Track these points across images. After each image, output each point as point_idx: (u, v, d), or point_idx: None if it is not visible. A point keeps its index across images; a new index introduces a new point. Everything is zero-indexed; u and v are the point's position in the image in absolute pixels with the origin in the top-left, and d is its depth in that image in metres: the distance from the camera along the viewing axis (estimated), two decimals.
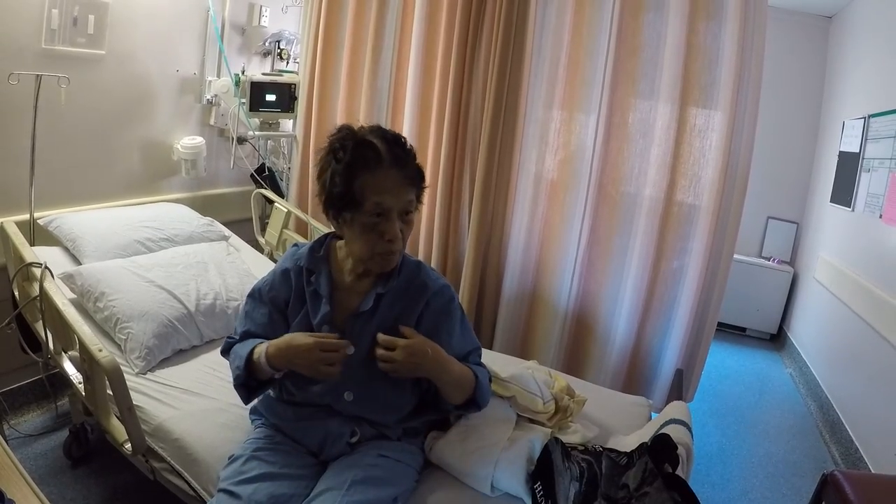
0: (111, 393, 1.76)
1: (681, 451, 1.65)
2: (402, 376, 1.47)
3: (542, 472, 1.59)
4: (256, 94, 3.38)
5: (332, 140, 1.55)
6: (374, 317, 1.61)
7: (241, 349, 1.60)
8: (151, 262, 2.44)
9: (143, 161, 3.11)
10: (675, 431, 1.75)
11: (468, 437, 1.70)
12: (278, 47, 3.79)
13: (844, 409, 3.40)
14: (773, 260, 5.20)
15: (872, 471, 2.81)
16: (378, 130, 1.55)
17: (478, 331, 3.16)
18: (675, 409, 1.97)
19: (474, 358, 1.69)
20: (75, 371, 2.07)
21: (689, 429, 1.84)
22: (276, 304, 1.68)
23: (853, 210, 3.75)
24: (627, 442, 1.90)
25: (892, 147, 3.23)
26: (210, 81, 3.36)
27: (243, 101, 3.34)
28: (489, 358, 2.29)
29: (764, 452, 3.23)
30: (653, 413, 2.29)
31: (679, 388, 2.63)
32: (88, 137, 2.81)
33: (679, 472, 1.61)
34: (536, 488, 1.56)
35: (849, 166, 3.93)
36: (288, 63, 3.87)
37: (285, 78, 3.55)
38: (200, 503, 1.64)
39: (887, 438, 2.75)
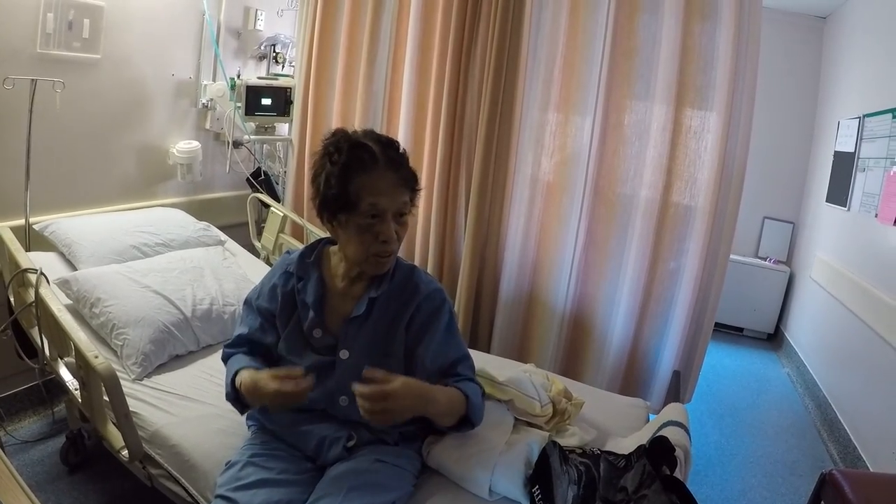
0: (108, 399, 1.76)
1: (679, 453, 1.65)
2: (393, 422, 1.44)
3: (540, 475, 1.59)
4: (252, 98, 3.38)
5: (326, 143, 1.56)
6: (367, 321, 1.61)
7: (230, 367, 1.62)
8: (147, 268, 2.43)
9: (139, 165, 3.10)
10: (672, 433, 1.75)
11: (466, 442, 1.70)
12: (274, 51, 3.78)
13: (842, 407, 3.40)
14: (770, 260, 5.20)
15: (871, 469, 2.81)
16: (372, 134, 1.56)
17: (475, 334, 3.16)
18: (673, 411, 1.97)
19: (463, 369, 1.66)
20: (71, 377, 2.06)
21: (687, 431, 1.84)
22: (262, 312, 1.69)
23: (849, 209, 3.76)
24: (625, 444, 1.89)
25: (887, 146, 3.24)
26: (206, 85, 3.36)
27: (239, 105, 3.33)
28: (486, 360, 2.30)
29: (762, 452, 3.23)
30: (650, 415, 2.29)
31: (676, 390, 2.63)
32: (84, 142, 2.81)
33: (677, 474, 1.60)
34: (535, 492, 1.56)
35: (844, 166, 3.94)
36: (283, 67, 3.86)
37: (281, 82, 3.55)
38: None
39: (885, 437, 2.76)
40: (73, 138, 2.75)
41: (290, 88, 3.54)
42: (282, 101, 3.52)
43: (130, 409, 1.77)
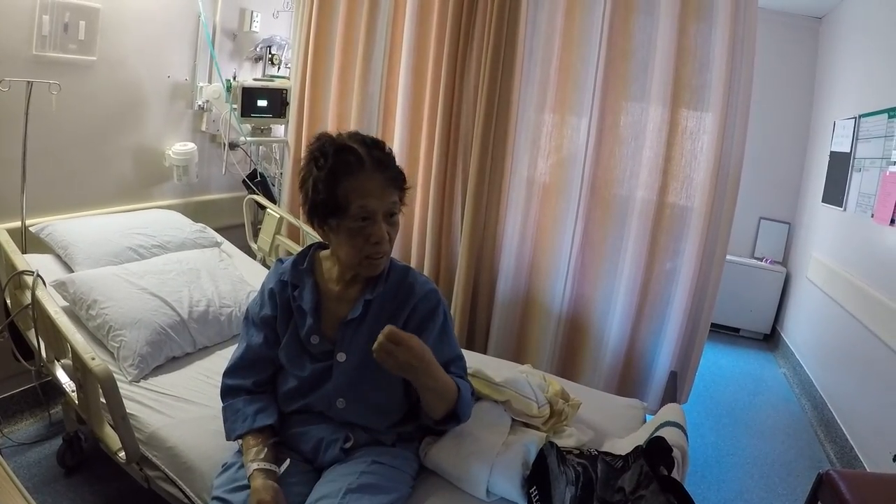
0: (104, 401, 1.76)
1: (676, 453, 1.65)
2: (388, 369, 1.44)
3: (537, 476, 1.59)
4: (248, 100, 3.38)
5: (311, 149, 1.57)
6: (363, 323, 1.61)
7: (233, 420, 1.60)
8: (144, 270, 2.43)
9: (135, 167, 3.10)
10: (670, 434, 1.75)
11: (463, 442, 1.70)
12: (269, 52, 3.78)
13: (839, 407, 3.41)
14: (766, 260, 5.21)
15: (868, 469, 2.81)
16: (356, 136, 1.57)
17: (472, 335, 3.16)
18: (670, 411, 1.97)
19: (456, 368, 1.66)
20: (68, 379, 2.06)
21: (685, 431, 1.84)
22: (267, 323, 1.68)
23: (845, 210, 3.77)
24: (622, 445, 1.90)
25: (883, 146, 3.25)
26: (201, 87, 3.35)
27: (235, 106, 3.33)
28: (483, 362, 2.30)
29: (759, 453, 3.23)
30: (647, 415, 2.29)
31: (673, 390, 2.63)
32: (80, 144, 2.80)
33: (674, 474, 1.61)
34: (532, 493, 1.56)
35: (840, 166, 3.95)
36: (279, 68, 3.86)
37: (277, 83, 3.55)
38: None
39: (882, 436, 2.76)
40: (69, 140, 2.75)
41: (286, 90, 3.54)
42: (278, 102, 3.52)
43: (127, 410, 1.77)
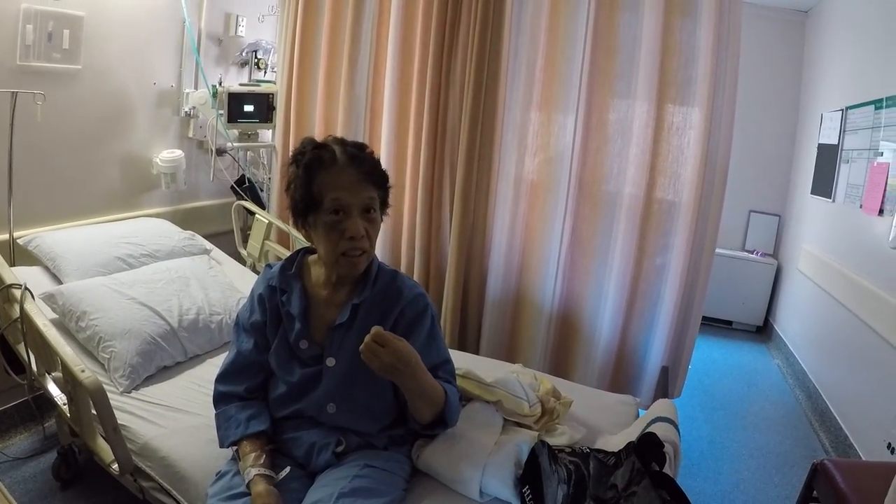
0: (96, 413, 1.76)
1: (667, 448, 1.66)
2: (374, 370, 1.44)
3: (529, 475, 1.60)
4: (234, 105, 3.37)
5: (294, 151, 1.61)
6: (352, 328, 1.61)
7: (227, 427, 1.61)
8: (133, 279, 2.42)
9: (123, 176, 3.09)
10: (661, 429, 1.76)
11: (455, 444, 1.70)
12: (255, 57, 3.78)
13: (832, 397, 3.43)
14: (757, 253, 5.23)
15: (863, 458, 2.84)
16: (338, 138, 1.62)
17: (463, 335, 3.16)
18: (661, 406, 1.98)
19: (443, 373, 1.67)
20: (59, 392, 2.05)
21: (676, 426, 1.85)
22: (257, 328, 1.69)
23: (834, 201, 3.79)
24: (615, 441, 1.90)
25: (870, 138, 3.26)
26: (187, 93, 3.34)
27: (221, 112, 3.32)
28: (475, 362, 2.30)
29: (754, 444, 3.25)
30: (640, 410, 2.30)
31: (665, 386, 2.64)
32: (66, 153, 2.79)
33: (667, 469, 1.61)
34: (525, 492, 1.57)
35: (828, 158, 3.97)
36: (265, 73, 3.86)
37: (263, 88, 3.54)
38: None
39: (876, 425, 2.78)
40: (55, 150, 2.74)
41: (273, 94, 3.53)
42: (264, 107, 3.51)
43: (119, 422, 1.77)
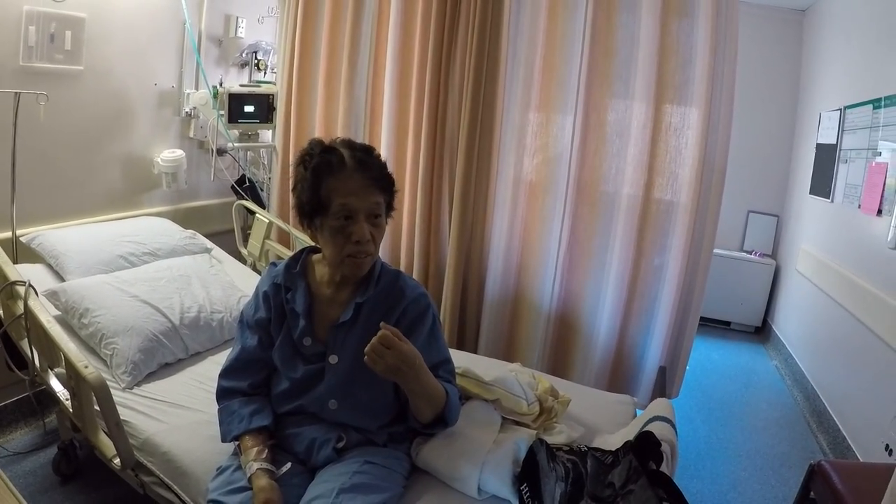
0: (98, 409, 1.77)
1: (665, 447, 1.67)
2: (377, 372, 1.46)
3: (527, 473, 1.61)
4: (235, 106, 3.38)
5: (302, 152, 1.63)
6: (355, 326, 1.64)
7: (230, 422, 1.63)
8: (135, 277, 2.44)
9: (124, 175, 3.11)
10: (658, 428, 1.77)
11: (454, 441, 1.72)
12: (255, 58, 3.79)
13: (830, 398, 3.43)
14: (755, 253, 5.24)
15: (861, 459, 2.84)
16: (346, 141, 1.63)
17: (462, 335, 3.18)
18: (659, 406, 1.99)
19: (443, 372, 1.68)
20: (62, 388, 2.07)
21: (673, 425, 1.86)
22: (261, 325, 1.71)
23: (832, 201, 3.79)
24: (613, 440, 1.91)
25: (869, 137, 3.27)
26: (188, 94, 3.36)
27: (222, 112, 3.34)
28: (473, 361, 2.31)
29: (752, 445, 3.25)
30: (638, 410, 2.31)
31: (662, 386, 2.65)
32: (69, 153, 2.81)
33: (664, 468, 1.62)
34: (523, 490, 1.58)
35: (827, 158, 3.98)
36: (265, 74, 3.87)
37: (263, 89, 3.56)
38: None
39: (874, 426, 2.78)
40: (58, 150, 2.76)
41: (273, 95, 3.55)
42: (264, 107, 3.53)
43: (121, 417, 1.78)
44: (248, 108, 3.45)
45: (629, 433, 1.89)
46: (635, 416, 2.22)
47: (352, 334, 1.63)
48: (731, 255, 5.14)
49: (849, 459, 2.90)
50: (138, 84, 3.09)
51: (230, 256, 3.13)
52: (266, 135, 3.78)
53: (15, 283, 2.10)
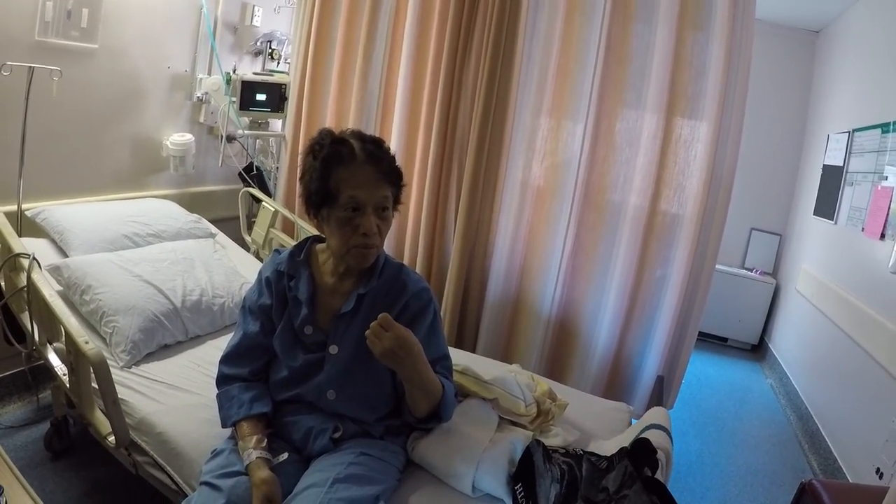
0: (96, 386, 1.77)
1: (660, 455, 1.67)
2: (378, 357, 1.46)
3: (523, 473, 1.61)
4: (247, 94, 3.39)
5: (311, 141, 1.63)
6: (356, 317, 1.64)
7: (229, 406, 1.63)
8: (138, 257, 2.44)
9: (132, 156, 3.11)
10: (655, 436, 1.77)
11: (450, 438, 1.72)
12: (270, 47, 3.79)
13: (824, 419, 3.43)
14: (756, 271, 5.24)
15: (851, 481, 2.83)
16: (357, 132, 1.63)
17: (461, 334, 3.18)
18: (656, 414, 1.99)
19: (441, 368, 1.68)
20: (60, 363, 2.07)
21: (669, 434, 1.86)
22: (263, 311, 1.71)
23: (836, 223, 3.79)
24: (607, 447, 1.91)
25: (876, 161, 3.27)
26: (201, 79, 3.36)
27: (233, 99, 3.34)
28: (472, 360, 2.31)
29: (743, 461, 3.25)
30: (633, 419, 2.31)
31: (660, 395, 2.66)
32: (79, 131, 2.81)
33: (658, 475, 1.63)
34: (517, 489, 1.58)
35: (832, 180, 3.98)
36: (279, 63, 3.88)
37: (276, 78, 3.56)
38: (182, 497, 1.64)
39: (866, 449, 2.78)
40: (68, 127, 2.76)
41: (285, 85, 3.56)
42: (276, 97, 3.53)
43: (118, 396, 1.78)
44: (260, 97, 3.45)
45: (624, 441, 1.89)
46: (630, 424, 2.22)
47: (353, 325, 1.63)
48: (731, 272, 5.15)
49: (839, 480, 2.90)
50: (151, 66, 3.09)
51: (234, 243, 3.13)
52: (276, 124, 3.78)
53: (19, 255, 2.09)
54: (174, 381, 2.02)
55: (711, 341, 5.23)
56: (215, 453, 1.58)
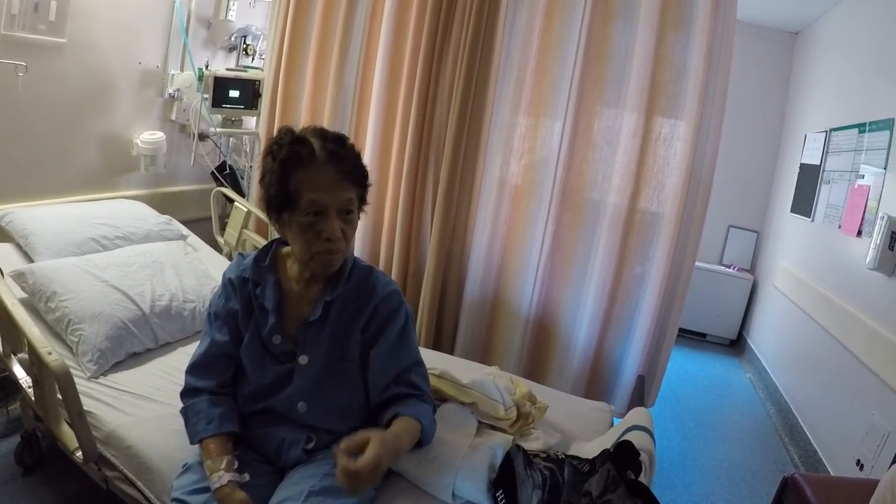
0: (61, 398, 1.71)
1: (643, 457, 1.65)
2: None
3: (504, 479, 1.58)
4: (220, 90, 3.32)
5: (270, 141, 1.54)
6: (325, 325, 1.58)
7: (195, 421, 1.55)
8: (106, 261, 2.37)
9: (101, 155, 3.03)
10: (637, 438, 1.76)
11: (429, 445, 1.68)
12: (244, 42, 3.73)
13: (803, 412, 3.46)
14: (734, 268, 5.27)
15: (832, 473, 2.86)
16: (317, 130, 1.54)
17: (439, 335, 3.15)
18: (638, 415, 1.98)
19: (415, 375, 1.62)
20: (25, 375, 2.00)
21: (652, 435, 1.85)
22: (232, 316, 1.64)
23: (813, 220, 3.83)
24: (589, 448, 1.90)
25: (852, 160, 3.30)
26: (173, 75, 3.29)
27: (206, 96, 3.27)
28: (450, 363, 2.29)
29: (724, 456, 3.27)
30: (614, 419, 2.30)
31: (640, 394, 2.65)
32: (45, 129, 2.73)
33: (642, 478, 1.61)
34: (499, 496, 1.55)
35: (809, 178, 4.01)
36: (253, 59, 3.81)
37: (250, 74, 3.50)
38: None
39: (846, 441, 2.81)
40: (34, 124, 2.67)
41: (259, 81, 3.49)
42: (250, 93, 3.47)
43: (85, 408, 1.73)
44: (234, 94, 3.39)
45: (606, 441, 1.88)
46: (612, 424, 2.21)
47: (322, 334, 1.58)
48: (710, 269, 5.17)
49: (820, 473, 2.92)
50: (122, 61, 3.02)
51: (206, 244, 3.07)
52: (250, 121, 3.72)
53: None
54: (143, 391, 1.96)
55: (690, 337, 5.25)
56: (186, 468, 1.53)
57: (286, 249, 1.68)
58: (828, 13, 4.29)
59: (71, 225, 2.54)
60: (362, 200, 1.57)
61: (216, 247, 3.23)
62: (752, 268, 5.33)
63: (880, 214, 2.73)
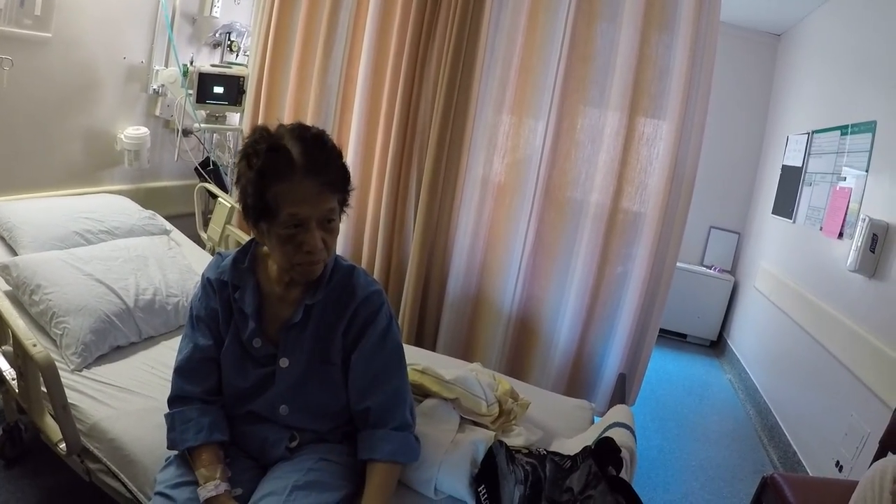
0: (45, 390, 1.71)
1: (624, 454, 1.67)
2: None
3: (486, 475, 1.60)
4: (204, 86, 3.31)
5: (246, 144, 1.45)
6: (306, 327, 1.55)
7: (183, 431, 1.51)
8: (90, 255, 2.36)
9: (86, 150, 3.02)
10: (618, 435, 1.77)
11: None
12: (229, 39, 3.72)
13: (782, 413, 3.49)
14: (715, 268, 5.31)
15: (810, 473, 2.89)
16: (296, 131, 1.44)
17: (421, 332, 3.16)
18: (619, 412, 1.99)
19: (395, 383, 1.59)
20: (8, 367, 1.99)
21: (633, 432, 1.86)
22: (214, 317, 1.60)
23: (794, 222, 3.86)
24: (570, 445, 1.91)
25: (834, 162, 3.33)
26: (157, 71, 3.27)
27: (190, 92, 3.26)
28: (433, 359, 2.29)
29: (704, 456, 3.29)
30: (595, 417, 2.31)
31: (621, 393, 2.66)
32: (29, 123, 2.71)
33: (623, 474, 1.63)
34: (481, 491, 1.57)
35: (791, 180, 4.05)
36: (238, 56, 3.80)
37: (234, 70, 3.49)
38: None
39: (825, 442, 2.83)
40: (18, 118, 2.65)
41: (244, 77, 3.49)
42: (234, 90, 3.46)
43: (69, 400, 1.72)
44: (218, 90, 3.38)
45: (587, 439, 1.90)
46: (593, 422, 2.22)
47: (303, 337, 1.55)
48: (691, 269, 5.20)
49: (799, 473, 2.95)
50: (107, 56, 3.00)
51: (189, 240, 3.06)
52: (234, 118, 3.71)
53: None
54: (127, 384, 1.96)
55: (671, 337, 5.28)
56: (169, 462, 1.52)
57: (266, 249, 1.60)
58: (811, 15, 4.33)
59: (55, 219, 2.53)
60: (345, 203, 1.53)
61: (199, 242, 3.22)
62: (732, 269, 5.36)
63: (862, 216, 2.75)
